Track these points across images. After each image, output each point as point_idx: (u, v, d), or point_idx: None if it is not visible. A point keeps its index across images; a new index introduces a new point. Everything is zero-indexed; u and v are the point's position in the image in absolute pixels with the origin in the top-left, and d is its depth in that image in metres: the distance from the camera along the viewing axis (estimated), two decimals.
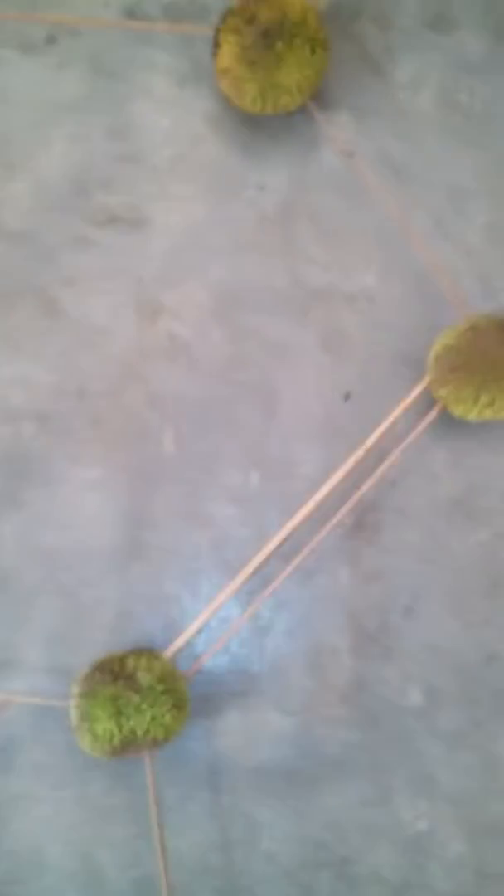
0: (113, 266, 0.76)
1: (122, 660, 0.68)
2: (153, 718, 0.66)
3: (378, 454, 0.73)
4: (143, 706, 0.66)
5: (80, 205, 0.77)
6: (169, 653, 0.70)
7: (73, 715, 0.68)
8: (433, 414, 0.72)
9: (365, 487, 0.71)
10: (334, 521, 0.71)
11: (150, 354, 0.75)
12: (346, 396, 0.75)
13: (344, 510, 0.71)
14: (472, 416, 0.70)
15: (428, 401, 0.73)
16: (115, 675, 0.67)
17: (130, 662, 0.68)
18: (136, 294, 0.76)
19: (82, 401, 0.75)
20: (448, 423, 0.73)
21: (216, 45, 0.73)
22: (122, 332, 0.76)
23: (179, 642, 0.70)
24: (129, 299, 0.76)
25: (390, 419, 0.72)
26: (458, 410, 0.71)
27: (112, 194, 0.77)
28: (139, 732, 0.66)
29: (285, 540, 0.71)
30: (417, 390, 0.72)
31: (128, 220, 0.77)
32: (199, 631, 0.71)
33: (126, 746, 0.67)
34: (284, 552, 0.72)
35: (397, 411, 0.72)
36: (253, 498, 0.74)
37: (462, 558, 0.73)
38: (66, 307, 0.76)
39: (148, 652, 0.69)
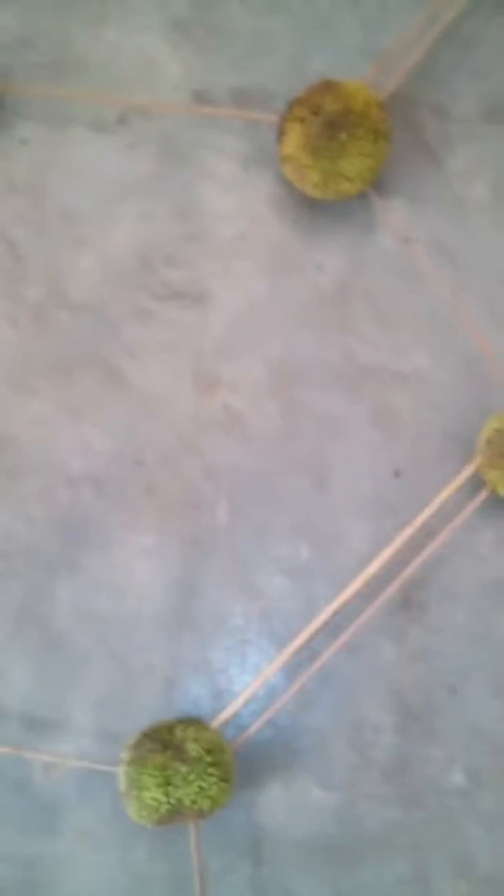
0: (173, 339, 0.79)
1: (170, 729, 0.69)
2: (200, 789, 0.67)
3: (426, 533, 0.74)
4: (191, 777, 0.67)
5: (145, 279, 0.80)
6: (216, 723, 0.71)
7: (122, 781, 0.69)
8: (482, 496, 0.73)
9: (413, 566, 0.72)
10: (382, 597, 0.72)
11: (207, 426, 0.77)
12: (396, 474, 0.76)
13: (392, 587, 0.72)
14: None
15: (477, 482, 0.74)
16: (164, 743, 0.68)
17: (179, 732, 0.68)
18: (194, 366, 0.78)
19: (139, 469, 0.77)
20: (496, 505, 0.74)
21: (281, 132, 0.76)
22: (180, 403, 0.78)
23: (227, 713, 0.71)
24: (188, 371, 0.78)
25: (439, 499, 0.73)
26: None
27: (175, 270, 0.80)
28: (186, 802, 0.67)
29: (333, 614, 0.72)
30: (467, 472, 0.73)
31: (190, 296, 0.80)
32: (246, 703, 0.71)
33: (172, 815, 0.68)
34: (331, 626, 0.73)
35: (447, 491, 0.73)
36: (302, 571, 0.75)
37: None
38: (128, 377, 0.78)
39: (196, 722, 0.70)
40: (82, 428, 0.77)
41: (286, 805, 0.73)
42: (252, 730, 0.71)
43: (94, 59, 0.83)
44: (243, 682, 0.73)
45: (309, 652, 0.73)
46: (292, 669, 0.74)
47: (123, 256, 0.80)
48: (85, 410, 0.77)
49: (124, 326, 0.79)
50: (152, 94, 0.83)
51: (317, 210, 0.80)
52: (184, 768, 0.67)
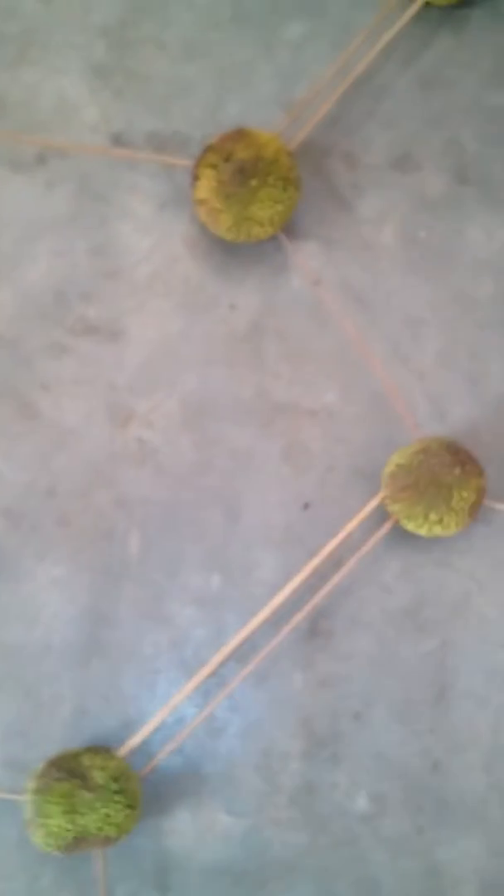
0: (88, 373, 0.81)
1: (77, 757, 0.70)
2: (106, 817, 0.68)
3: (334, 563, 0.76)
4: (97, 804, 0.68)
5: (61, 315, 0.81)
6: (123, 751, 0.72)
7: (27, 810, 0.69)
8: (386, 527, 0.76)
9: (320, 595, 0.75)
10: (290, 626, 0.74)
11: (120, 458, 0.79)
12: (306, 506, 0.79)
13: (299, 616, 0.74)
14: (423, 531, 0.75)
15: (382, 514, 0.77)
16: (70, 772, 0.69)
17: (85, 760, 0.69)
18: (109, 400, 0.80)
19: (52, 500, 0.78)
20: (400, 536, 0.77)
21: (195, 177, 0.79)
22: (94, 436, 0.79)
23: (134, 741, 0.72)
24: (102, 405, 0.80)
25: (346, 530, 0.76)
26: (409, 525, 0.75)
27: (91, 306, 0.82)
28: (92, 830, 0.68)
29: (242, 643, 0.74)
30: (372, 504, 0.76)
31: (105, 332, 0.82)
32: (155, 730, 0.73)
33: (78, 843, 0.68)
34: (241, 655, 0.75)
35: (353, 523, 0.76)
36: (213, 600, 0.77)
37: (410, 667, 0.76)
38: (42, 410, 0.80)
39: (103, 750, 0.71)
40: None
41: (194, 831, 0.74)
42: (160, 757, 0.73)
43: (12, 100, 0.85)
44: (153, 711, 0.74)
45: (218, 680, 0.75)
46: (201, 697, 0.75)
47: (40, 292, 0.82)
48: None
49: (39, 360, 0.80)
50: (71, 135, 0.85)
51: (231, 251, 0.83)
52: (89, 796, 0.68)
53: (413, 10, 0.88)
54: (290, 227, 0.83)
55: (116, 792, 0.68)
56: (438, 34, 0.89)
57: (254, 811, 0.74)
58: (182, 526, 0.78)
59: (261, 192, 0.77)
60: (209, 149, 0.79)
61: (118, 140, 0.85)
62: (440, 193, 0.84)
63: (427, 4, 0.88)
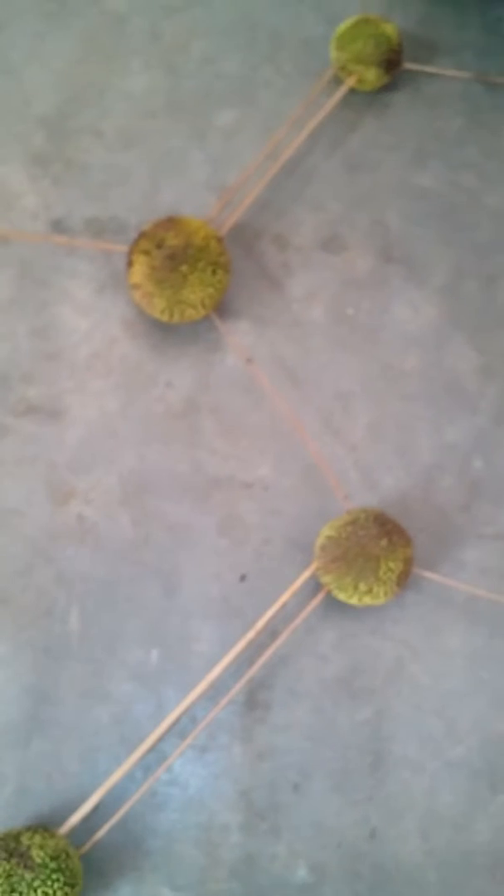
0: (29, 452, 0.83)
1: (17, 836, 0.71)
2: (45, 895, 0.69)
3: (270, 634, 0.78)
4: (36, 883, 0.69)
5: (3, 396, 0.84)
6: (64, 829, 0.73)
7: None
8: (319, 598, 0.78)
9: (256, 666, 0.76)
10: (227, 698, 0.75)
11: (60, 535, 0.81)
12: (242, 578, 0.81)
13: (236, 688, 0.76)
14: (354, 601, 0.77)
15: (315, 585, 0.79)
16: (9, 851, 0.69)
17: (25, 840, 0.70)
18: (49, 479, 0.82)
19: None
20: (334, 606, 0.79)
21: (129, 262, 0.82)
22: (35, 514, 0.81)
23: (75, 819, 0.73)
24: (42, 484, 0.82)
25: (280, 601, 0.78)
26: (341, 596, 0.77)
27: (32, 387, 0.84)
28: None
29: (180, 717, 0.75)
30: (305, 575, 0.78)
31: (46, 411, 0.84)
32: (95, 807, 0.74)
33: None
34: (180, 729, 0.76)
35: (287, 594, 0.78)
36: (152, 675, 0.79)
37: (346, 736, 0.77)
38: None
39: (43, 829, 0.72)
40: None
41: None
42: (100, 834, 0.74)
43: None
44: (94, 787, 0.75)
45: (158, 755, 0.76)
46: (142, 772, 0.76)
47: None
48: None
49: None
50: (12, 222, 0.88)
51: (166, 331, 0.86)
52: (28, 875, 0.68)
53: (339, 95, 0.92)
54: (222, 307, 0.86)
55: (55, 870, 0.69)
56: (363, 118, 0.93)
57: (195, 884, 0.75)
58: (121, 601, 0.80)
59: (191, 276, 0.80)
60: (142, 236, 0.82)
61: (58, 226, 0.89)
62: (367, 272, 0.88)
63: (352, 90, 0.93)
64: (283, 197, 0.90)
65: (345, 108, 0.93)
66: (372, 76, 0.91)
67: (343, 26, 0.92)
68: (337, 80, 0.93)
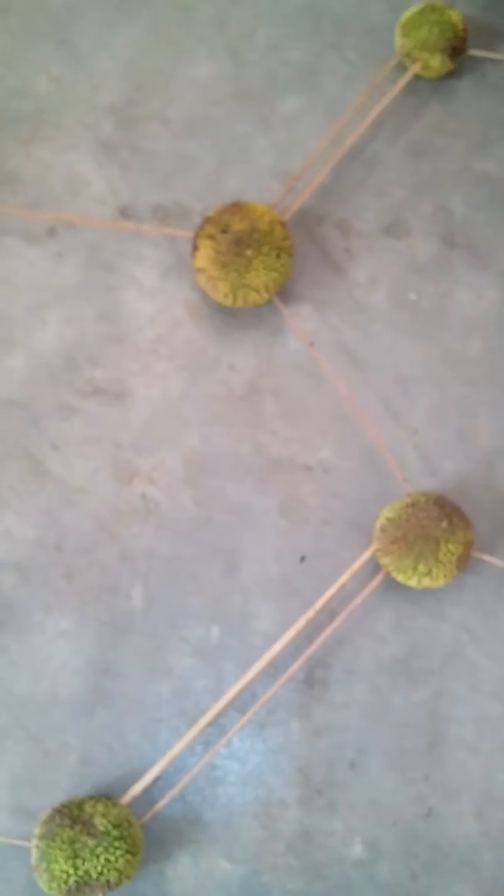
0: (95, 433, 0.85)
1: (80, 805, 0.73)
2: (107, 862, 0.71)
3: (329, 614, 0.79)
4: (98, 850, 0.71)
5: (70, 378, 0.86)
6: (126, 799, 0.75)
7: (33, 855, 0.72)
8: (378, 579, 0.79)
9: (315, 645, 0.77)
10: (286, 676, 0.76)
11: (125, 514, 0.83)
12: (302, 559, 0.82)
13: (295, 666, 0.77)
14: (413, 582, 0.77)
15: (374, 566, 0.80)
16: (73, 819, 0.72)
17: (88, 808, 0.72)
18: (114, 459, 0.84)
19: (60, 555, 0.82)
20: (393, 588, 0.80)
21: (194, 247, 0.84)
22: (100, 492, 0.83)
23: (136, 789, 0.75)
24: (108, 463, 0.84)
25: (339, 582, 0.79)
26: (400, 577, 0.78)
27: (98, 369, 0.86)
28: (94, 875, 0.71)
29: (240, 693, 0.77)
30: (365, 557, 0.79)
31: (111, 393, 0.86)
32: (156, 779, 0.75)
33: (81, 887, 0.71)
34: (240, 704, 0.78)
35: (346, 575, 0.79)
36: (213, 651, 0.80)
37: (403, 716, 0.78)
38: (52, 468, 0.84)
39: (106, 798, 0.74)
40: (5, 516, 0.82)
41: (194, 877, 0.77)
42: (161, 805, 0.75)
43: (25, 176, 0.90)
44: (154, 760, 0.77)
45: (218, 729, 0.78)
46: (202, 746, 0.78)
47: (50, 356, 0.86)
48: (9, 500, 0.83)
49: (49, 421, 0.85)
50: (80, 208, 0.90)
51: (229, 315, 0.87)
52: (91, 842, 0.71)
53: (403, 82, 0.92)
54: (285, 292, 0.87)
55: (117, 838, 0.71)
56: (428, 105, 0.93)
57: (252, 857, 0.76)
58: (183, 579, 0.81)
59: (256, 261, 0.81)
60: (207, 221, 0.83)
61: (124, 212, 0.90)
62: (430, 257, 0.88)
63: (416, 77, 0.93)
64: (346, 183, 0.91)
65: (409, 94, 0.93)
66: (436, 63, 0.91)
67: (408, 13, 0.92)
68: (401, 67, 0.93)
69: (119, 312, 0.88)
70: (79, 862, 0.70)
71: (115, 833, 0.71)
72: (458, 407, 0.85)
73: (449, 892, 0.76)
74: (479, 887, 0.76)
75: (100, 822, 0.71)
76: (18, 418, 0.85)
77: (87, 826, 0.71)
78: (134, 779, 0.76)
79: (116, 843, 0.71)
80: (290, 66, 0.94)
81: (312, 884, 0.76)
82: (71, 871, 0.70)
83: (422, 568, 0.76)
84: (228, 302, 0.83)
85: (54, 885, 0.71)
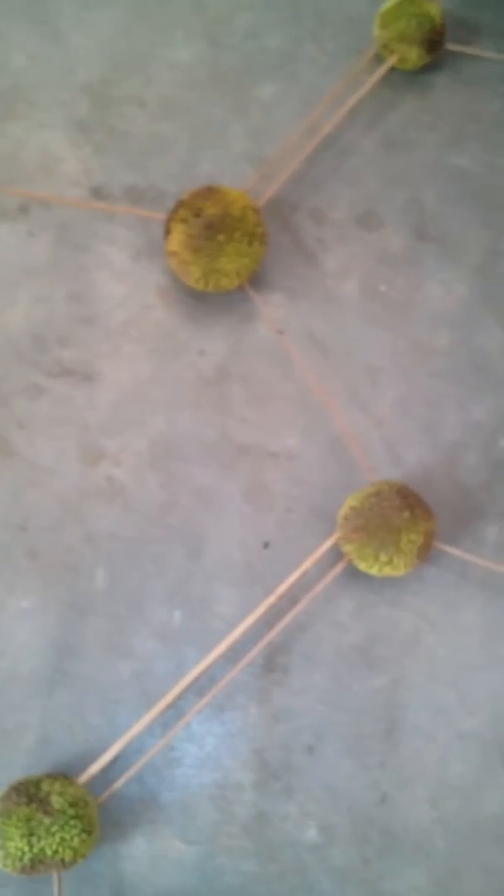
0: (62, 413, 0.85)
1: (37, 783, 0.73)
2: (62, 840, 0.71)
3: (290, 600, 0.80)
4: (54, 828, 0.71)
5: (38, 357, 0.85)
6: (83, 778, 0.75)
7: None
8: (340, 567, 0.79)
9: (275, 631, 0.78)
10: (245, 660, 0.77)
11: (89, 495, 0.83)
12: (265, 545, 0.82)
13: (255, 651, 0.78)
14: (374, 571, 0.78)
15: (337, 554, 0.80)
16: (29, 797, 0.72)
17: (45, 786, 0.72)
18: (80, 440, 0.84)
19: (23, 534, 0.82)
20: (354, 576, 0.81)
21: (167, 230, 0.83)
22: (66, 473, 0.83)
23: (94, 769, 0.75)
24: (74, 444, 0.84)
25: (302, 568, 0.79)
26: (361, 566, 0.78)
27: (67, 350, 0.86)
28: (48, 853, 0.71)
29: (200, 676, 0.77)
30: (327, 544, 0.80)
31: (80, 374, 0.86)
32: (114, 759, 0.76)
33: (35, 865, 0.71)
34: (199, 688, 0.78)
35: (308, 562, 0.79)
36: (174, 634, 0.80)
37: (361, 702, 0.79)
38: (18, 448, 0.84)
39: (62, 777, 0.74)
40: None
41: (149, 857, 0.77)
42: (118, 785, 0.76)
43: None
44: (113, 740, 0.77)
45: (176, 711, 0.78)
46: (160, 728, 0.78)
47: (19, 335, 0.86)
48: None
49: (16, 400, 0.84)
50: (53, 187, 0.90)
51: (200, 300, 0.87)
52: (47, 820, 0.71)
53: (380, 73, 0.93)
54: (257, 279, 0.87)
55: (73, 817, 0.71)
56: (403, 97, 0.94)
57: (207, 839, 0.77)
58: (147, 562, 0.81)
59: (228, 246, 0.81)
60: (180, 204, 0.83)
61: (98, 193, 0.90)
62: (401, 249, 0.89)
63: (393, 69, 0.93)
64: (320, 172, 0.91)
65: (385, 86, 0.94)
66: (414, 55, 0.91)
67: (387, 5, 0.92)
68: (378, 59, 0.93)
69: (89, 293, 0.87)
70: (34, 840, 0.70)
71: (71, 812, 0.71)
72: (423, 399, 0.85)
73: (400, 878, 0.77)
74: (430, 873, 0.77)
75: (56, 801, 0.72)
76: None
77: (43, 804, 0.71)
78: (92, 759, 0.77)
79: (72, 822, 0.71)
80: (267, 53, 0.94)
81: (266, 866, 0.77)
82: (26, 848, 0.70)
83: (383, 557, 0.77)
84: (199, 286, 0.84)
85: (9, 862, 0.71)
